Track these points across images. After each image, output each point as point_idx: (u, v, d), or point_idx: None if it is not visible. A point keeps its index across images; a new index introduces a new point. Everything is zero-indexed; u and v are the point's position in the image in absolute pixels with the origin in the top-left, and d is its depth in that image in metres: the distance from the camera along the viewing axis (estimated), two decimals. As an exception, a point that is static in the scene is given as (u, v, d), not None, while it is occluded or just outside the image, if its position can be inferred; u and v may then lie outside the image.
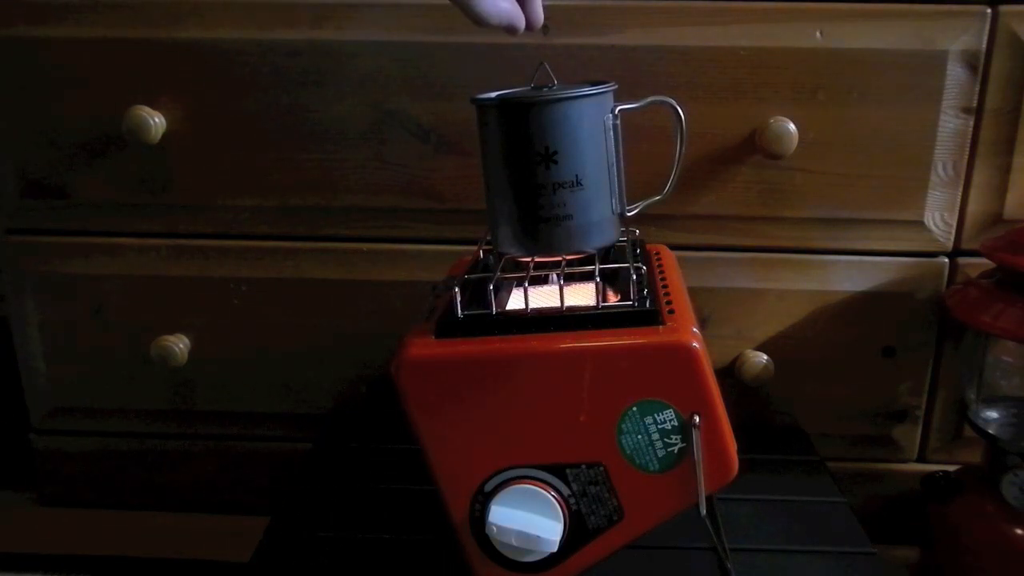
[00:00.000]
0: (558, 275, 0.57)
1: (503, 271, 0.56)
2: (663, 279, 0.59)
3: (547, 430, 0.50)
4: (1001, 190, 0.75)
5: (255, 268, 0.81)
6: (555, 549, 0.50)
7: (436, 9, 0.74)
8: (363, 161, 0.78)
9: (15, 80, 0.78)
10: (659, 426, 0.49)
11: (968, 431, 0.79)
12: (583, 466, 0.50)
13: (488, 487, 0.51)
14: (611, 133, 0.56)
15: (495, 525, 0.50)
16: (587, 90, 0.55)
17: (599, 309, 0.51)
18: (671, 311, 0.52)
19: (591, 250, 0.57)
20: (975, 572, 0.73)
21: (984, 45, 0.71)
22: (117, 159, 0.79)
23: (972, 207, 0.76)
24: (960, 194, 0.75)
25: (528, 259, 0.57)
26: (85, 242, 0.82)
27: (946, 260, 0.77)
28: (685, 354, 0.48)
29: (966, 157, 0.74)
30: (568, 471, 0.51)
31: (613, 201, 0.57)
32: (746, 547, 0.62)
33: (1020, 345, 0.72)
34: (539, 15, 0.60)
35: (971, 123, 0.73)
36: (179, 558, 0.89)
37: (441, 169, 0.77)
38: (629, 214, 0.59)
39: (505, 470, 0.51)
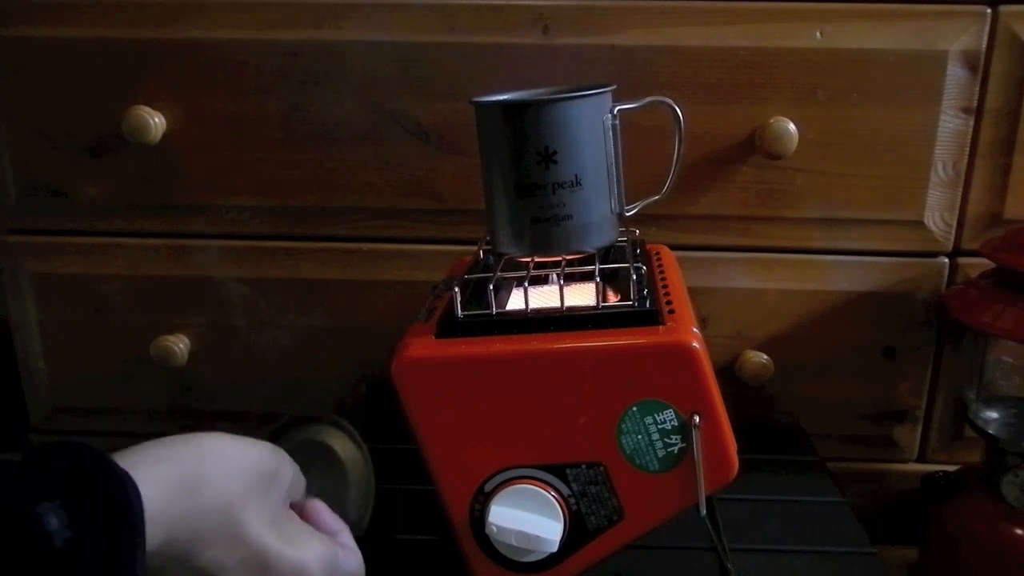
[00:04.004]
0: (558, 275, 0.57)
1: (503, 271, 0.56)
2: (663, 279, 0.59)
3: (547, 430, 0.50)
4: (1001, 190, 0.75)
5: (255, 268, 0.81)
6: (555, 549, 0.50)
7: (436, 9, 0.74)
8: (363, 161, 0.78)
9: (15, 80, 0.78)
10: (659, 426, 0.49)
11: (968, 431, 0.79)
12: (583, 466, 0.50)
13: (488, 487, 0.51)
14: (610, 133, 0.56)
15: (495, 525, 0.50)
16: (586, 91, 0.55)
17: (599, 309, 0.51)
18: (671, 311, 0.52)
19: (590, 250, 0.57)
20: (975, 572, 0.73)
21: (984, 45, 0.71)
22: (117, 159, 0.79)
23: (972, 207, 0.76)
24: (960, 194, 0.75)
25: (528, 259, 0.57)
26: (85, 242, 0.82)
27: (946, 260, 0.77)
28: (685, 354, 0.48)
29: (966, 157, 0.74)
30: (568, 471, 0.51)
31: (612, 201, 0.57)
32: (746, 547, 0.62)
33: (1020, 345, 0.72)
34: None
35: (971, 123, 0.73)
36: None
37: (441, 169, 0.77)
38: (628, 214, 0.59)
39: (505, 470, 0.51)
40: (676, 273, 0.62)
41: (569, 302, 0.52)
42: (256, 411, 0.85)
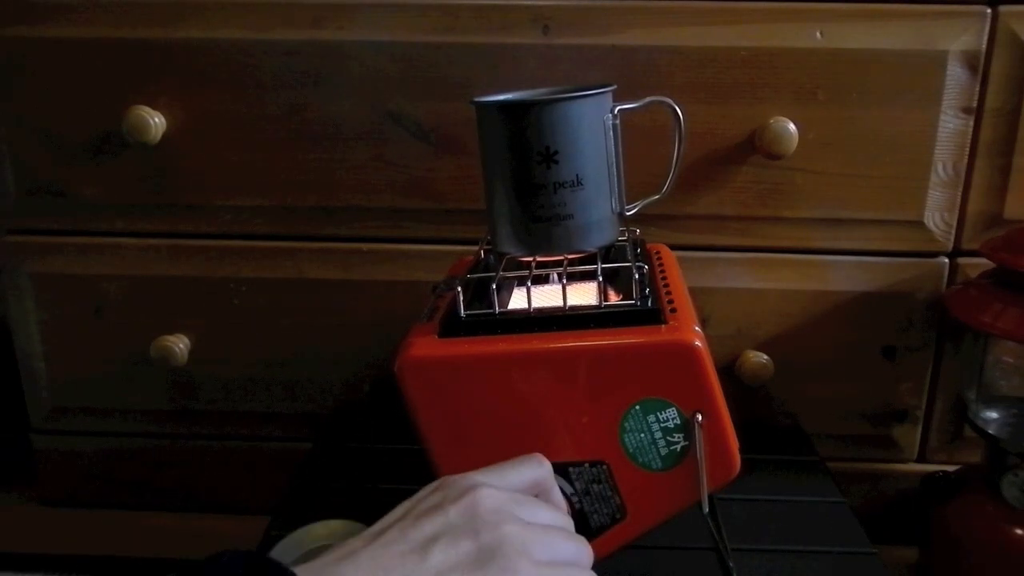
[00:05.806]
0: (560, 274, 0.57)
1: (505, 271, 0.56)
2: (664, 278, 0.59)
3: (550, 429, 0.50)
4: (1001, 190, 0.75)
5: (255, 268, 0.81)
6: (557, 548, 0.50)
7: (436, 9, 0.74)
8: (363, 161, 0.78)
9: (15, 80, 0.77)
10: (662, 424, 0.49)
11: (968, 431, 0.79)
12: (586, 464, 0.50)
13: (490, 486, 0.51)
14: (611, 133, 0.56)
15: (497, 524, 0.50)
16: (587, 91, 0.55)
17: (601, 308, 0.51)
18: (673, 310, 0.52)
19: (591, 249, 0.57)
20: (975, 572, 0.73)
21: (984, 45, 0.72)
22: (117, 159, 0.79)
23: (972, 207, 0.76)
24: (960, 194, 0.75)
25: (529, 258, 0.57)
26: (85, 242, 0.82)
27: (946, 260, 0.77)
28: (688, 353, 0.48)
29: (966, 157, 0.74)
30: (571, 469, 0.51)
31: (613, 200, 0.57)
32: (747, 547, 0.62)
33: (1020, 345, 0.72)
34: None
35: (971, 123, 0.73)
36: (179, 558, 0.89)
37: (441, 169, 0.77)
38: (628, 213, 0.60)
39: (507, 469, 0.51)
40: (677, 272, 0.62)
41: (571, 301, 0.52)
42: (256, 411, 0.85)
